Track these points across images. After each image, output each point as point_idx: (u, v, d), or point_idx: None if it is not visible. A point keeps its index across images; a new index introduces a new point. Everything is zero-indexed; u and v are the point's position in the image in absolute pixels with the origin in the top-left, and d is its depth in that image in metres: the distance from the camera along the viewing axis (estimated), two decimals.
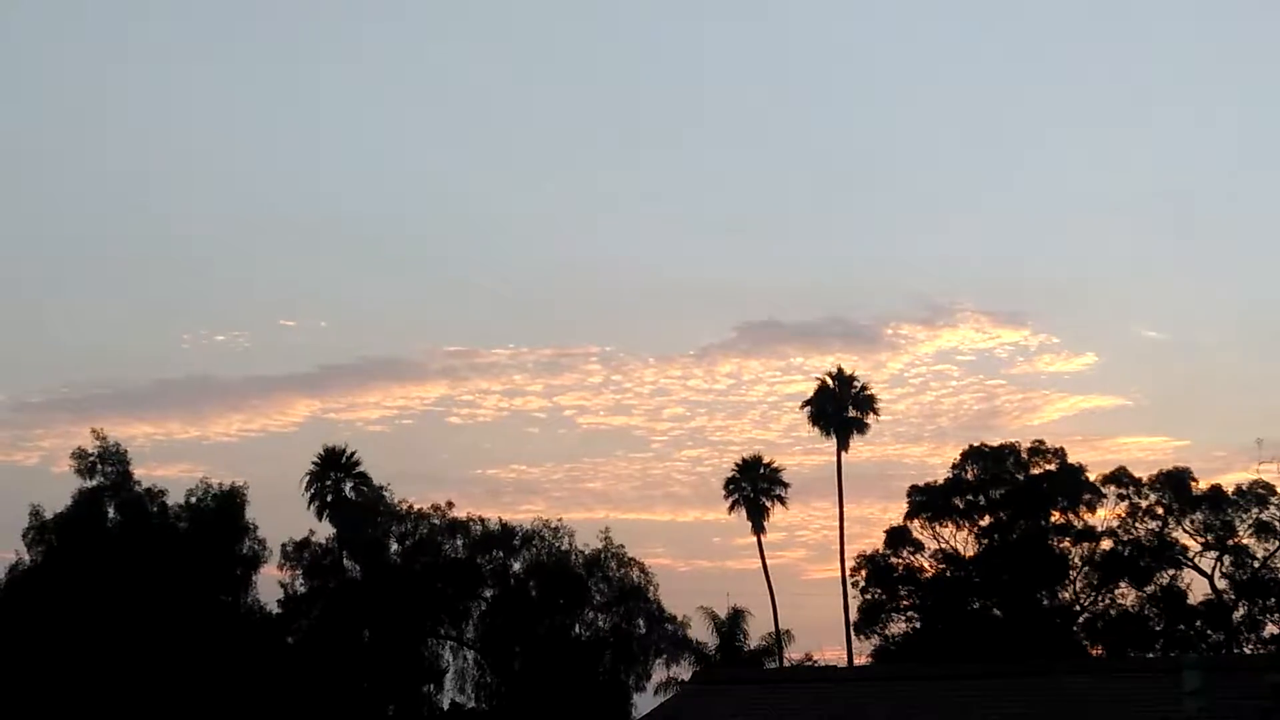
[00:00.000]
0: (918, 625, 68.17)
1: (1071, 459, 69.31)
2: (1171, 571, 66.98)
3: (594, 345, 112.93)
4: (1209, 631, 65.91)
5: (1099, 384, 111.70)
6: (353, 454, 71.67)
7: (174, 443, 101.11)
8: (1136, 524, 67.40)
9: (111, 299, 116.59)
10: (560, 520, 69.63)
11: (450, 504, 69.73)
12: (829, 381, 76.01)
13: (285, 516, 69.85)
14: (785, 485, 75.94)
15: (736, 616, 70.43)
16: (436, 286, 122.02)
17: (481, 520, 69.22)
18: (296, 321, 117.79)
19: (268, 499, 71.55)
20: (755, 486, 75.41)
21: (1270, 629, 65.83)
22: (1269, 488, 65.60)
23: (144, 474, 66.71)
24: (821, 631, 71.04)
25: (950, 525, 69.19)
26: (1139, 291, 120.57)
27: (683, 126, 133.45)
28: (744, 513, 75.75)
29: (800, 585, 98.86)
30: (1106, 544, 67.66)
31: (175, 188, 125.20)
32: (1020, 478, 69.02)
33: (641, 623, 68.17)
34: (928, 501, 69.34)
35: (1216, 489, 66.57)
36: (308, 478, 71.03)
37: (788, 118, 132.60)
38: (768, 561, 75.32)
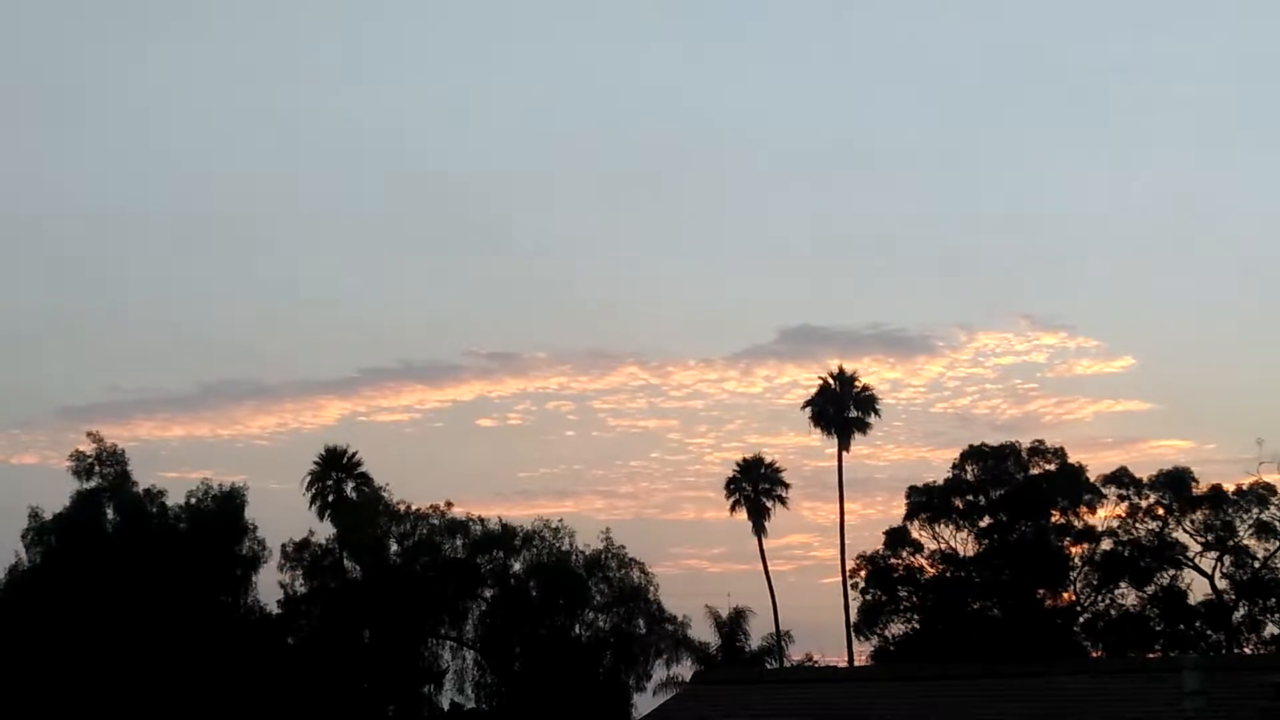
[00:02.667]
0: (917, 626, 68.12)
1: (1104, 463, 69.31)
2: (1171, 572, 66.93)
3: (636, 348, 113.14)
4: (1209, 631, 65.85)
5: (1134, 388, 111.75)
6: (354, 454, 71.76)
7: (203, 445, 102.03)
8: (1137, 524, 67.37)
9: (152, 303, 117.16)
10: (561, 520, 69.79)
11: (449, 504, 69.79)
12: (830, 381, 76.01)
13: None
14: (786, 485, 76.07)
15: (738, 617, 70.44)
16: (480, 289, 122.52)
17: (481, 520, 69.26)
18: (339, 325, 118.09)
19: (284, 501, 71.73)
20: (756, 487, 75.40)
21: (1270, 629, 65.80)
22: (1269, 488, 65.63)
23: (177, 477, 67.19)
24: (832, 632, 71.10)
25: (950, 526, 69.19)
26: (1176, 295, 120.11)
27: (724, 127, 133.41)
28: (745, 513, 75.81)
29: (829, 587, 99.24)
30: (1106, 544, 67.63)
31: (218, 192, 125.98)
32: (1020, 478, 68.99)
33: (642, 623, 68.17)
34: (927, 502, 69.32)
35: (1217, 489, 66.52)
36: (308, 478, 71.11)
37: (829, 125, 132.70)
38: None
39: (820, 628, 79.29)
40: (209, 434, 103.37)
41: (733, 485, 75.92)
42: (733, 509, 75.88)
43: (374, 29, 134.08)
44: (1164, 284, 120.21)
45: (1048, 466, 69.32)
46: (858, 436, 76.06)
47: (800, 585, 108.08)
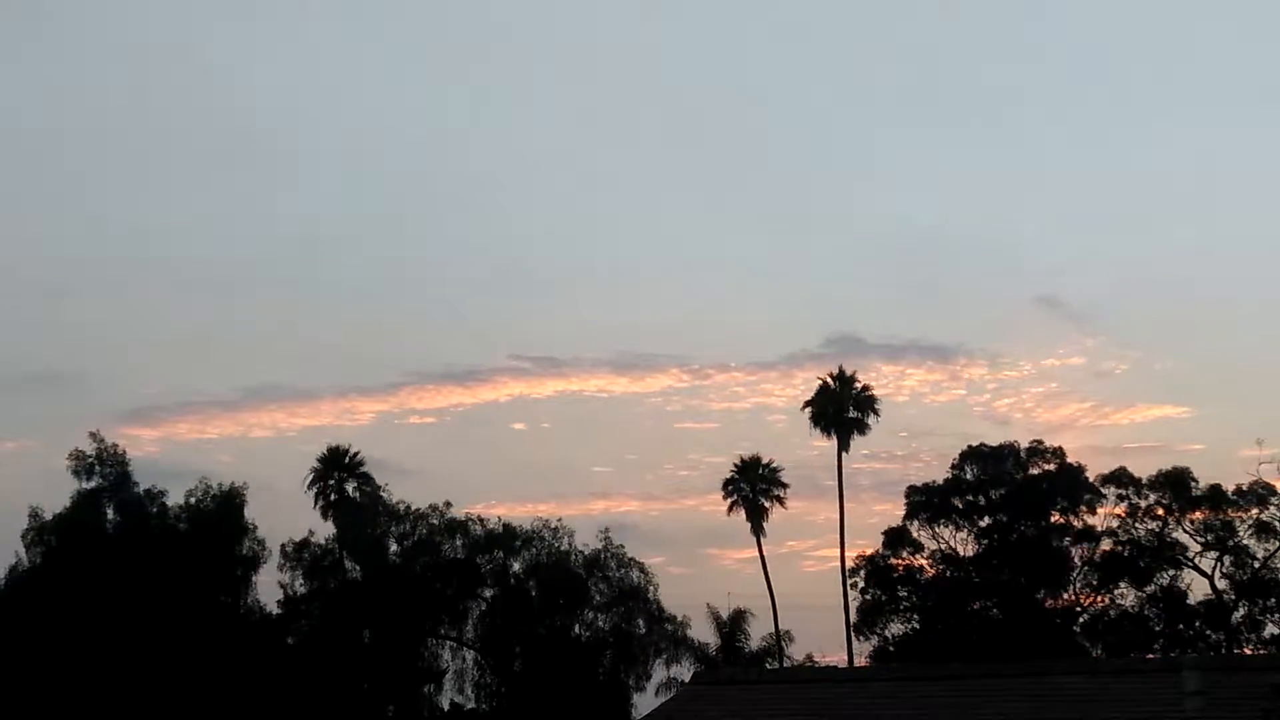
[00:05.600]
0: (917, 626, 68.14)
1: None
2: (1171, 572, 66.96)
3: (679, 352, 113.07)
4: (1209, 631, 65.86)
5: (1171, 393, 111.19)
6: (355, 454, 71.73)
7: (231, 444, 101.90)
8: (1136, 524, 67.37)
9: (195, 308, 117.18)
10: (560, 520, 69.81)
11: (449, 504, 69.82)
12: (830, 382, 75.86)
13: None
14: (784, 486, 75.84)
15: (738, 617, 70.44)
16: (524, 295, 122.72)
17: (481, 520, 69.35)
18: (382, 332, 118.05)
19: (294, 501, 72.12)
20: (754, 487, 75.22)
21: (1270, 629, 65.84)
22: (1269, 488, 65.61)
23: (209, 475, 67.69)
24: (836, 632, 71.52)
25: (950, 526, 69.19)
26: (1214, 299, 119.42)
27: (769, 127, 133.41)
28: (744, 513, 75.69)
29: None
30: (1106, 544, 67.64)
31: (266, 198, 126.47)
32: (1019, 478, 68.99)
33: (641, 623, 68.20)
34: (927, 502, 69.30)
35: (1216, 489, 66.49)
36: (310, 477, 71.09)
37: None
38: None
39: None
40: (241, 434, 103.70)
41: (730, 486, 75.67)
42: (730, 509, 75.72)
43: (404, 30, 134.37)
44: (1201, 288, 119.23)
45: (1047, 466, 69.33)
46: (858, 438, 75.93)
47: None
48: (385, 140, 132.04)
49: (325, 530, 69.96)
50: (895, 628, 68.82)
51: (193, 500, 65.89)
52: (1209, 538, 66.58)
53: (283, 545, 68.02)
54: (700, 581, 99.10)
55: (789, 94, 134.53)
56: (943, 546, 69.25)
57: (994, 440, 71.52)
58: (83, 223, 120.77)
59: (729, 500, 75.51)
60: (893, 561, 69.31)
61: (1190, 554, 67.07)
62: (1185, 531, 67.20)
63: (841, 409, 75.02)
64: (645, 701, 64.75)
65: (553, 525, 69.21)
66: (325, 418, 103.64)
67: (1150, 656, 58.40)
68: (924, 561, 69.33)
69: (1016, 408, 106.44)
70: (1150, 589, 66.74)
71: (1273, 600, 65.70)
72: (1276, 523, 65.78)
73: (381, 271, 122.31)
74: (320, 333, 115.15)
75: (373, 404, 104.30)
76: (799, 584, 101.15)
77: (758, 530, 75.02)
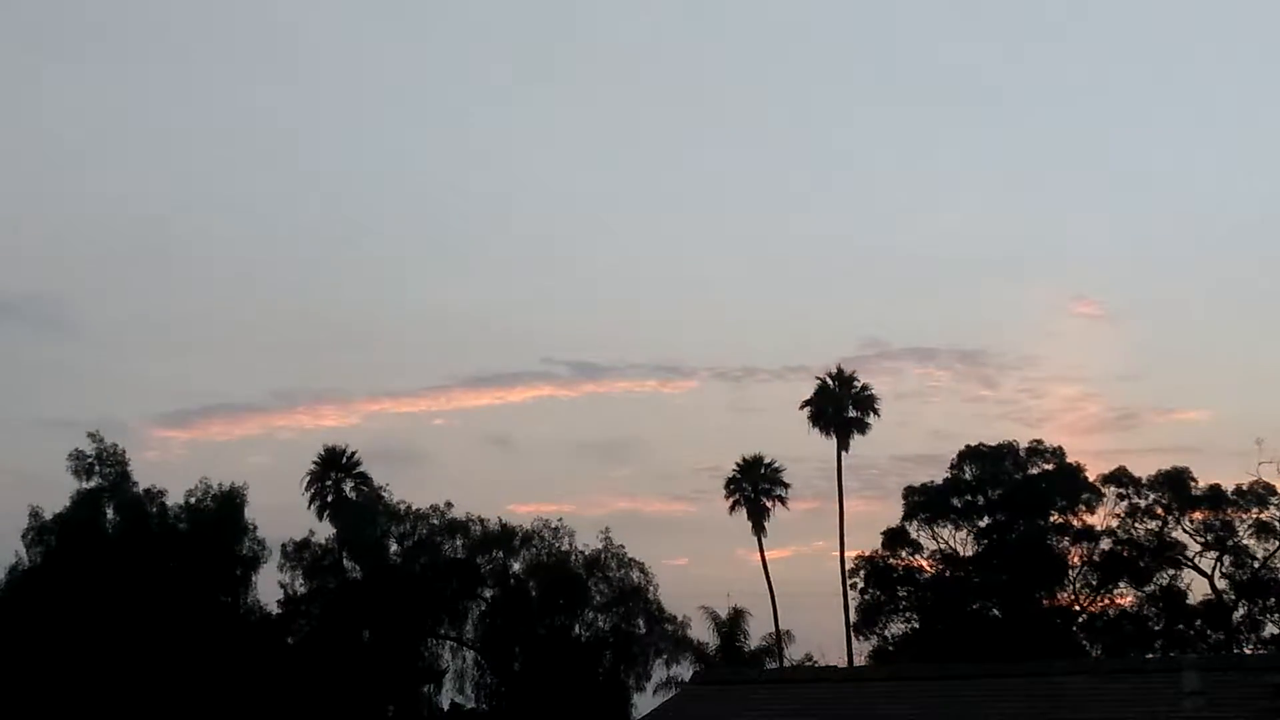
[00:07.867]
0: (917, 626, 68.16)
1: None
2: (1171, 571, 66.99)
3: (711, 356, 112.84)
4: (1209, 631, 65.89)
5: (1202, 398, 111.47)
6: (353, 454, 71.79)
7: (255, 443, 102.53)
8: (1136, 524, 67.39)
9: (224, 311, 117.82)
10: (560, 520, 69.83)
11: (450, 504, 69.82)
12: (829, 381, 75.89)
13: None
14: (786, 485, 75.90)
15: (737, 617, 70.44)
16: (562, 298, 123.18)
17: (481, 520, 69.30)
18: (422, 341, 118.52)
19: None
20: (756, 487, 75.24)
21: (1270, 629, 65.84)
22: (1269, 488, 65.65)
23: (229, 473, 67.79)
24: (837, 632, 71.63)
25: (949, 526, 69.22)
26: (1242, 303, 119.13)
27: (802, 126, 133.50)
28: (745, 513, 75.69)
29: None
30: (1106, 544, 67.65)
31: (305, 203, 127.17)
32: (1018, 477, 69.00)
33: (641, 623, 68.19)
34: (926, 502, 69.31)
35: (1216, 489, 66.56)
36: (308, 478, 71.06)
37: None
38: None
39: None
40: (263, 435, 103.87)
41: (732, 485, 75.67)
42: (732, 509, 75.76)
43: (422, 32, 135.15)
44: (1231, 290, 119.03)
45: (1046, 466, 69.33)
46: (861, 438, 75.93)
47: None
48: (412, 142, 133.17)
49: (326, 530, 70.14)
50: (895, 628, 68.92)
51: (193, 500, 65.92)
52: (1209, 538, 66.62)
53: (283, 545, 68.11)
54: (725, 583, 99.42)
55: (807, 94, 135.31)
56: (942, 546, 69.37)
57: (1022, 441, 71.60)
58: (103, 225, 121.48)
59: (730, 500, 75.72)
60: (892, 561, 69.35)
61: (1190, 554, 67.21)
62: (1185, 531, 67.30)
63: (841, 408, 75.06)
64: (645, 701, 64.82)
65: (553, 525, 69.36)
66: (355, 417, 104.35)
67: (1150, 656, 58.39)
68: (923, 561, 69.42)
69: (1044, 410, 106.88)
70: (1150, 589, 66.78)
71: (1273, 600, 65.73)
72: (1276, 523, 65.84)
73: (407, 275, 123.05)
74: (347, 336, 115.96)
75: (401, 406, 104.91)
76: (824, 582, 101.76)
77: (759, 530, 75.14)
